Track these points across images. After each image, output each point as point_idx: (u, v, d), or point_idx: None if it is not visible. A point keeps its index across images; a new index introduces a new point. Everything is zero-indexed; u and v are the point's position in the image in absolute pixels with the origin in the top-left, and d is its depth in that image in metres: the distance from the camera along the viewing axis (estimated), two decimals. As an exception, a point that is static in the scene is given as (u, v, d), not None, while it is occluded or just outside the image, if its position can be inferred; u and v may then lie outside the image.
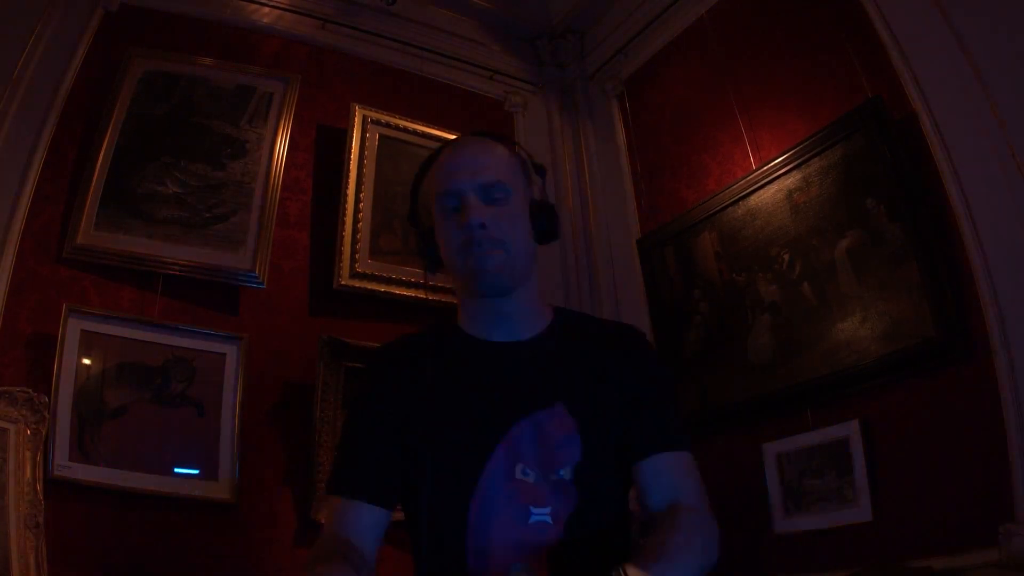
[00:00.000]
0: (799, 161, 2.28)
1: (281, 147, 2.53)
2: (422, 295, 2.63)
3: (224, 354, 2.26)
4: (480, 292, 1.08)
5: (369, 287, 2.55)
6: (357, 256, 2.55)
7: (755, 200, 2.41)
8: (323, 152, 2.71)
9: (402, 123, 2.83)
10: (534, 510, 0.98)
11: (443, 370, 1.09)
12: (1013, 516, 1.65)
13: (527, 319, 1.12)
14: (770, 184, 2.37)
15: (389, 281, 2.59)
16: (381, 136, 2.77)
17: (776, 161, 2.36)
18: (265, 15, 2.74)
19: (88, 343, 2.08)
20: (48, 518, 1.85)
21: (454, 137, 1.18)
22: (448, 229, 1.08)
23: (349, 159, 2.65)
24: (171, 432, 2.13)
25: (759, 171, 2.41)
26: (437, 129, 2.90)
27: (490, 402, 1.05)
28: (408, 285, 2.62)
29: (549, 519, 0.98)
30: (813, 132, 2.26)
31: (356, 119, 2.71)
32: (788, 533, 2.17)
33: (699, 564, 0.91)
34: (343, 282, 2.50)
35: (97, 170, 2.23)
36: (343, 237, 2.54)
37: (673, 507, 0.99)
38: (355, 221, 2.59)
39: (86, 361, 2.07)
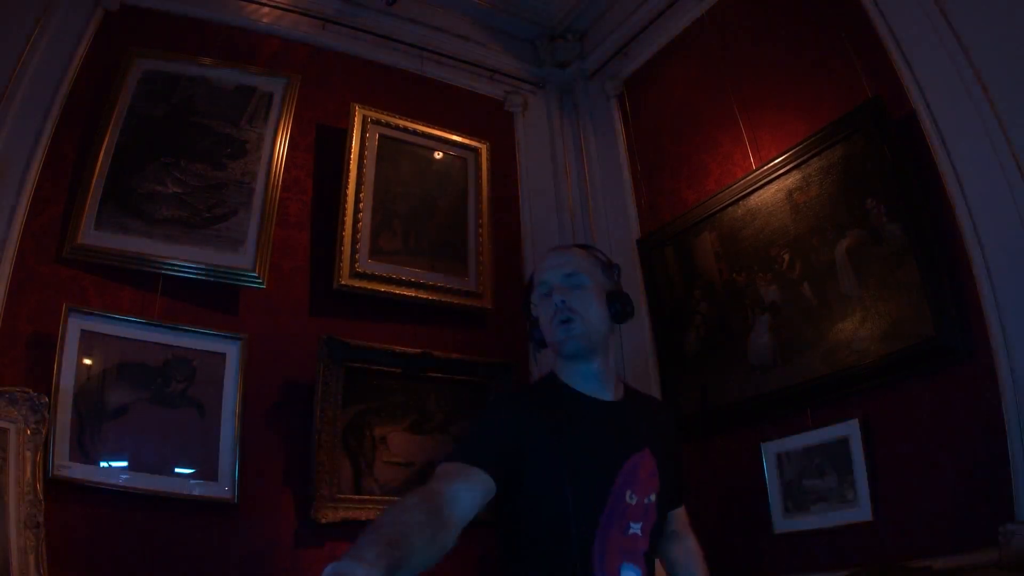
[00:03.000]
0: (799, 161, 2.28)
1: (281, 147, 2.53)
2: (422, 295, 2.64)
3: (224, 354, 2.26)
4: (565, 353, 1.40)
5: (369, 287, 2.55)
6: (357, 256, 2.55)
7: (755, 200, 2.41)
8: (323, 152, 2.71)
9: (402, 123, 2.83)
10: (631, 524, 1.31)
11: (565, 415, 1.35)
12: (1013, 516, 1.65)
13: (609, 381, 1.44)
14: (770, 184, 2.37)
15: (389, 281, 2.59)
16: (381, 136, 2.77)
17: (776, 161, 2.36)
18: (265, 15, 2.74)
19: (88, 343, 2.08)
20: (48, 518, 1.85)
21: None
22: (542, 308, 1.44)
23: (349, 159, 2.65)
24: (171, 432, 2.13)
25: (759, 171, 2.41)
26: (437, 129, 2.90)
27: (610, 442, 1.36)
28: (408, 285, 2.62)
29: (640, 532, 1.32)
30: (813, 132, 2.26)
31: (356, 119, 2.71)
32: (788, 533, 2.17)
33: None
34: (343, 282, 2.50)
35: (97, 170, 2.23)
36: (343, 237, 2.54)
37: (682, 532, 1.56)
38: (355, 221, 2.59)
39: (86, 361, 2.07)
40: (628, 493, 1.32)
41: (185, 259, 2.27)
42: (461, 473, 1.20)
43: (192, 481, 2.10)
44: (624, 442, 1.37)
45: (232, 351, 2.26)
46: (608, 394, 1.43)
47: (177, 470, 2.10)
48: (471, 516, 1.16)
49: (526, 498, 1.30)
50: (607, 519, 1.29)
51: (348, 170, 2.64)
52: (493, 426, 1.35)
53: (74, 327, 2.06)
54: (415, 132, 2.86)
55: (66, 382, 2.01)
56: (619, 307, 1.45)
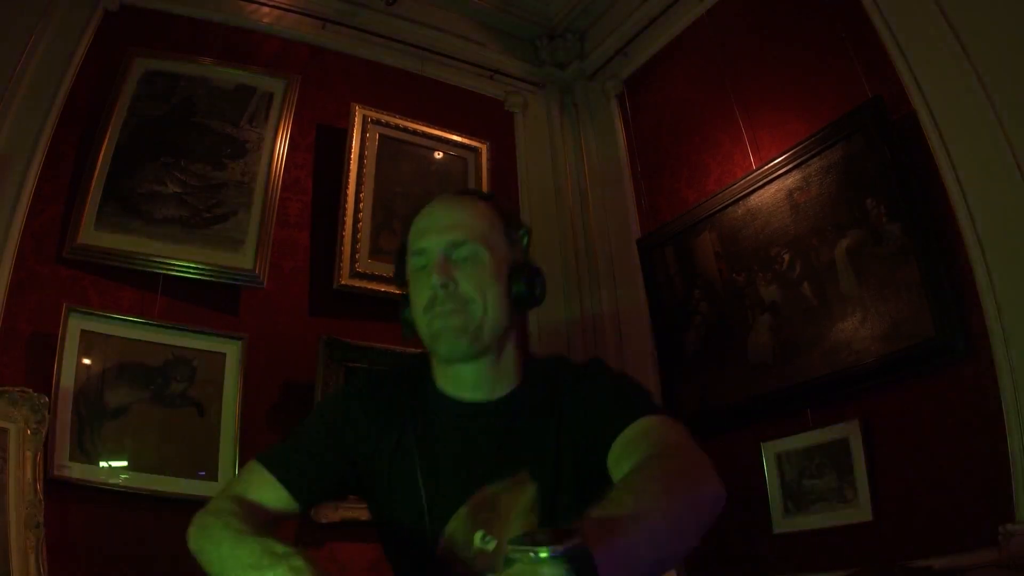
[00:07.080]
0: (799, 161, 2.28)
1: (281, 147, 2.52)
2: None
3: (224, 354, 2.25)
4: (441, 356, 1.04)
5: (369, 287, 2.55)
6: (357, 256, 2.55)
7: (755, 200, 2.41)
8: (323, 152, 2.71)
9: (402, 123, 2.83)
10: None
11: (414, 425, 1.05)
12: (1013, 516, 1.65)
13: (495, 382, 1.06)
14: (770, 184, 2.37)
15: (389, 281, 2.58)
16: (381, 136, 2.77)
17: (776, 161, 2.36)
18: (265, 15, 2.74)
19: (88, 343, 2.08)
20: (48, 518, 1.85)
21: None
22: (416, 289, 1.04)
23: (349, 159, 2.65)
24: (171, 432, 2.13)
25: (759, 171, 2.41)
26: (437, 129, 2.90)
27: (455, 468, 1.01)
28: (408, 285, 2.62)
29: None
30: (813, 132, 2.26)
31: (356, 119, 2.71)
32: (788, 533, 2.17)
33: (672, 493, 0.77)
34: (343, 282, 2.50)
35: (97, 170, 2.23)
36: (343, 237, 2.54)
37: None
38: (355, 221, 2.59)
39: (86, 361, 2.07)
40: (479, 535, 0.96)
41: (185, 259, 2.27)
42: (258, 479, 1.03)
43: (192, 481, 2.10)
44: (483, 465, 1.00)
45: (232, 351, 2.26)
46: (487, 394, 1.06)
47: (177, 470, 2.10)
48: (272, 525, 1.02)
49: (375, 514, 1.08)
50: (441, 571, 0.96)
51: (348, 170, 2.64)
52: (309, 433, 1.07)
53: (74, 327, 2.06)
54: (415, 132, 2.85)
55: (66, 382, 2.01)
56: (525, 289, 1.03)
